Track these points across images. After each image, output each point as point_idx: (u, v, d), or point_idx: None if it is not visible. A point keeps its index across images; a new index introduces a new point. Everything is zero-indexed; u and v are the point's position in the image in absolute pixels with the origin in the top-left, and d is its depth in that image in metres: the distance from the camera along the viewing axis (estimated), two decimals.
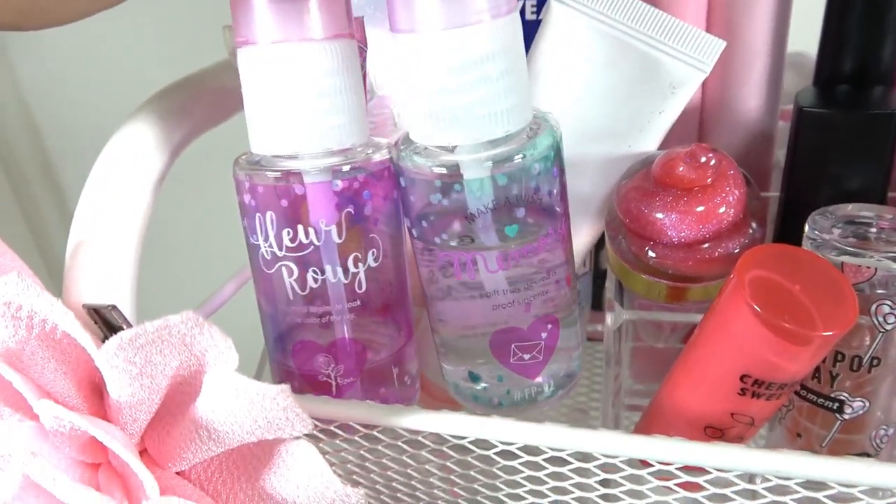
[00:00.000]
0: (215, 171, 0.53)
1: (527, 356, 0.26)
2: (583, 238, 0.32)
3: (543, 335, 0.25)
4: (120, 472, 0.21)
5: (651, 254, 0.28)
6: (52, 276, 0.72)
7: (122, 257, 0.24)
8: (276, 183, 0.23)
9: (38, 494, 0.19)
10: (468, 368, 0.27)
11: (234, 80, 0.32)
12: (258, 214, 0.24)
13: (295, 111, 0.22)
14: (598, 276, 0.39)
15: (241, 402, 0.18)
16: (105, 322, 0.22)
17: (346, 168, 0.23)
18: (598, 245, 0.36)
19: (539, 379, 0.26)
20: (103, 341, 0.18)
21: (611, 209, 0.29)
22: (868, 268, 0.22)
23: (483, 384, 0.27)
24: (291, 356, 0.26)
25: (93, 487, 0.18)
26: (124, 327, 0.21)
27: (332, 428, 0.24)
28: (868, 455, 0.25)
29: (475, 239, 0.23)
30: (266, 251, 0.24)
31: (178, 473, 0.21)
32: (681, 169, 0.26)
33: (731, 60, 0.31)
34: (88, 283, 0.24)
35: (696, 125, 0.34)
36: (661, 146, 0.30)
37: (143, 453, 0.21)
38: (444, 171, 0.22)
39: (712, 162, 0.25)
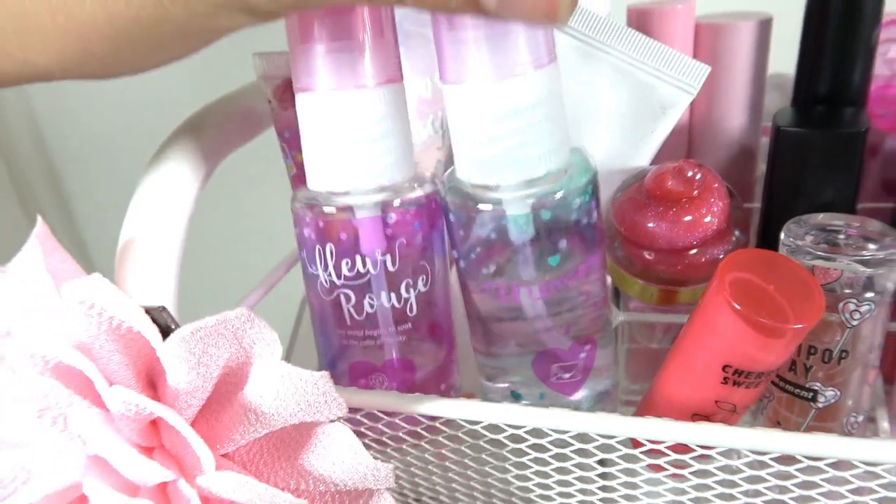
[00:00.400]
0: (241, 182, 0.56)
1: (567, 375, 0.27)
2: None
3: (582, 356, 0.27)
4: (173, 454, 0.23)
5: (645, 259, 0.30)
6: None
7: (166, 263, 0.27)
8: (333, 217, 0.25)
9: (104, 471, 0.21)
10: (510, 387, 0.28)
11: (261, 102, 0.35)
12: (317, 246, 0.26)
13: (349, 152, 0.24)
14: None
15: (287, 386, 0.20)
16: (155, 321, 0.25)
17: (396, 202, 0.25)
18: None
19: (577, 396, 0.28)
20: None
21: (607, 219, 0.32)
22: (835, 270, 0.25)
23: (524, 402, 0.28)
24: (347, 376, 0.28)
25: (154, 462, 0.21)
26: (172, 326, 0.24)
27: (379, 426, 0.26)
28: None
29: (518, 269, 0.25)
30: (325, 280, 0.26)
31: (223, 456, 0.23)
32: (670, 183, 0.28)
33: (716, 83, 0.34)
34: (137, 286, 0.26)
35: (686, 142, 0.37)
36: (654, 161, 0.33)
37: None
38: (489, 207, 0.24)
39: (698, 176, 0.28)
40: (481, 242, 0.25)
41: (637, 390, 0.39)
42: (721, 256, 0.29)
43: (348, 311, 0.26)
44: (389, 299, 0.26)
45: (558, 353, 0.26)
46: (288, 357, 0.36)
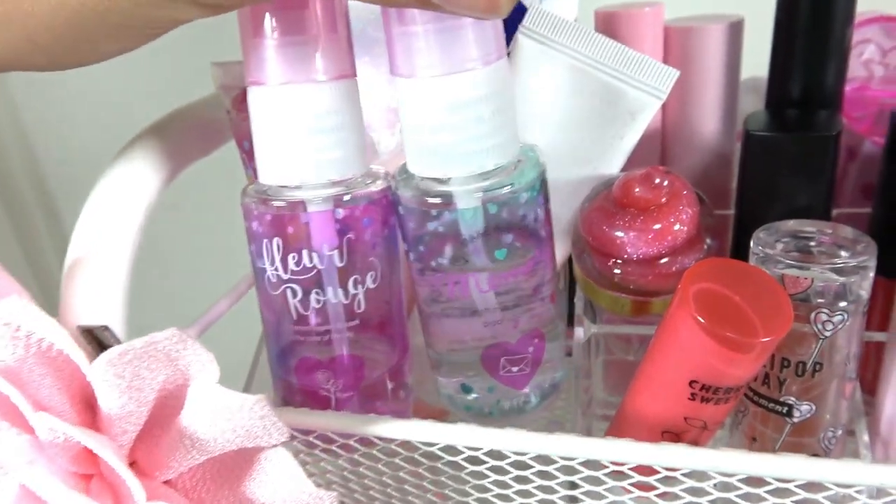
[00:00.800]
0: (211, 192, 0.55)
1: (515, 369, 0.27)
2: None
3: (530, 349, 0.27)
4: (110, 481, 0.22)
5: (614, 270, 0.29)
6: (47, 297, 0.74)
7: (113, 280, 0.26)
8: (282, 211, 0.25)
9: (34, 503, 0.20)
10: (461, 381, 0.28)
11: (220, 113, 0.34)
12: (265, 240, 0.25)
13: (300, 146, 0.24)
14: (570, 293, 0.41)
15: (222, 412, 0.19)
16: (98, 342, 0.24)
17: (346, 197, 0.25)
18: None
19: (526, 389, 0.28)
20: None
21: (575, 229, 0.31)
22: (806, 279, 0.24)
23: (475, 395, 0.28)
24: (294, 372, 0.27)
25: (85, 496, 0.20)
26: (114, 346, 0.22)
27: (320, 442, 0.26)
28: (818, 457, 0.26)
29: (468, 261, 0.25)
30: (272, 274, 0.25)
31: (165, 482, 0.22)
32: (637, 190, 0.27)
33: (687, 87, 0.33)
34: (83, 304, 0.25)
35: (659, 148, 0.36)
36: (626, 168, 0.32)
37: (133, 465, 0.22)
38: (438, 200, 0.24)
39: (665, 183, 0.27)
40: (431, 235, 0.25)
41: (615, 403, 0.38)
42: (692, 266, 0.28)
43: (294, 306, 0.25)
44: (336, 295, 0.25)
45: (507, 346, 0.26)
46: (252, 375, 0.35)
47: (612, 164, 0.32)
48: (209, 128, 0.32)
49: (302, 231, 0.25)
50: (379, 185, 0.26)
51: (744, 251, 0.28)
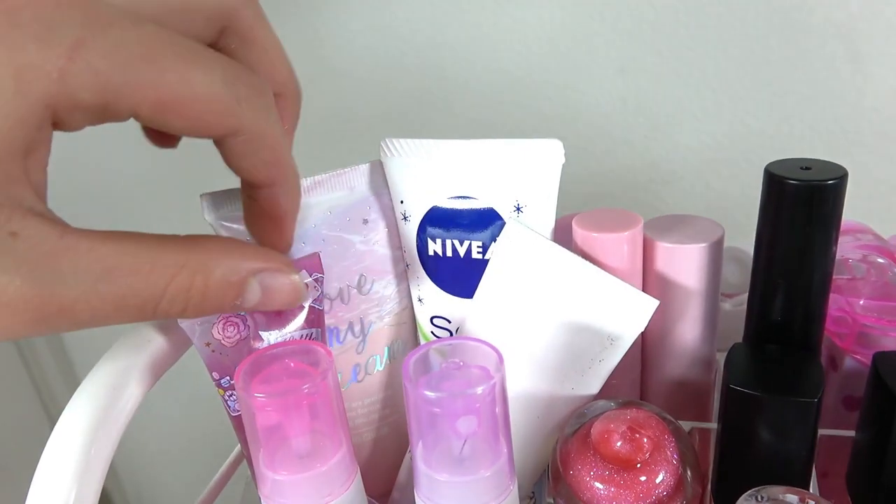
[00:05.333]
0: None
1: None
2: (527, 472, 0.32)
3: None
4: None
5: None
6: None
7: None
8: None
9: None
10: None
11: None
12: None
13: None
14: None
15: None
16: None
17: None
18: None
19: None
20: None
21: (553, 461, 0.30)
22: None
23: None
24: None
25: None
26: None
27: None
28: None
29: None
30: None
31: None
32: (618, 444, 0.26)
33: (669, 301, 0.33)
34: None
35: (639, 352, 0.35)
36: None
37: None
38: None
39: (646, 440, 0.26)
40: None
41: None
42: None
43: None
44: None
45: None
46: None
47: (591, 385, 0.31)
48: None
49: None
50: None
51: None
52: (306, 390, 0.22)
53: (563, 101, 0.55)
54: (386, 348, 0.36)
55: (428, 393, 0.22)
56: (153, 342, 0.29)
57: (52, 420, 0.76)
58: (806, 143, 0.52)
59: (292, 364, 0.23)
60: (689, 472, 0.28)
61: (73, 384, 0.79)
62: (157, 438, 0.82)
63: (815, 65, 0.50)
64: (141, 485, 0.88)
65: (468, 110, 0.58)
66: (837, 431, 0.32)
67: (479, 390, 0.22)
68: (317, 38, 0.58)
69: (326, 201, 0.33)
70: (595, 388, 0.31)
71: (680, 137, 0.54)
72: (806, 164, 0.28)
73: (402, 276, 0.36)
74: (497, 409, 0.23)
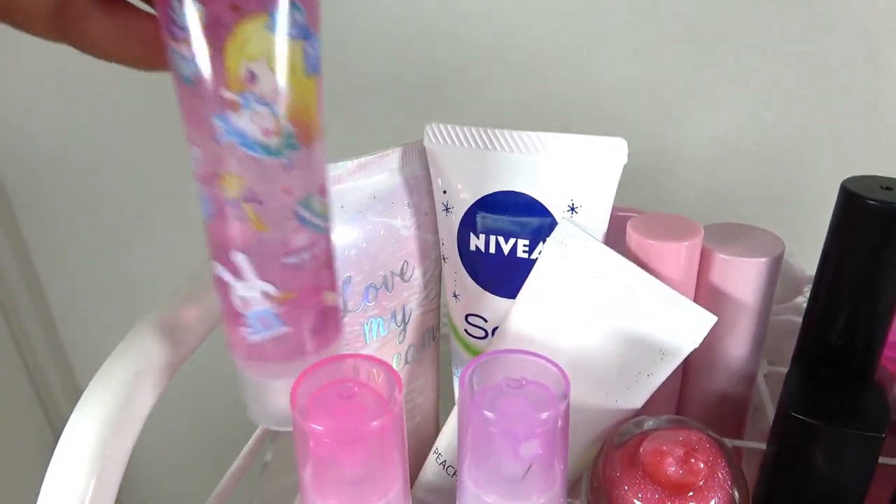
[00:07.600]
0: None
1: None
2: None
3: None
4: None
5: None
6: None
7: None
8: None
9: None
10: None
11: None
12: None
13: None
14: None
15: None
16: None
17: None
18: None
19: None
20: None
21: (595, 473, 0.28)
22: None
23: None
24: None
25: None
26: None
27: None
28: None
29: None
30: None
31: None
32: (671, 469, 0.25)
33: (720, 314, 0.31)
34: None
35: (682, 364, 0.34)
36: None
37: None
38: None
39: (701, 465, 0.25)
40: None
41: None
42: None
43: None
44: None
45: None
46: None
47: (636, 399, 0.29)
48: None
49: None
50: None
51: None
52: (375, 426, 0.19)
53: (575, 82, 0.53)
54: (422, 336, 0.35)
55: (487, 413, 0.20)
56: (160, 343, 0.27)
57: (52, 421, 0.74)
58: (818, 142, 0.50)
59: (356, 388, 0.20)
60: (737, 495, 0.27)
61: (72, 385, 0.77)
62: (157, 437, 0.80)
63: (833, 62, 0.48)
64: (142, 485, 0.86)
65: (480, 88, 0.55)
66: (885, 460, 0.31)
67: (544, 415, 0.20)
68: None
69: (369, 185, 0.31)
70: (640, 402, 0.29)
71: (691, 127, 0.52)
72: (887, 184, 0.27)
73: (437, 261, 0.34)
74: (558, 436, 0.21)
